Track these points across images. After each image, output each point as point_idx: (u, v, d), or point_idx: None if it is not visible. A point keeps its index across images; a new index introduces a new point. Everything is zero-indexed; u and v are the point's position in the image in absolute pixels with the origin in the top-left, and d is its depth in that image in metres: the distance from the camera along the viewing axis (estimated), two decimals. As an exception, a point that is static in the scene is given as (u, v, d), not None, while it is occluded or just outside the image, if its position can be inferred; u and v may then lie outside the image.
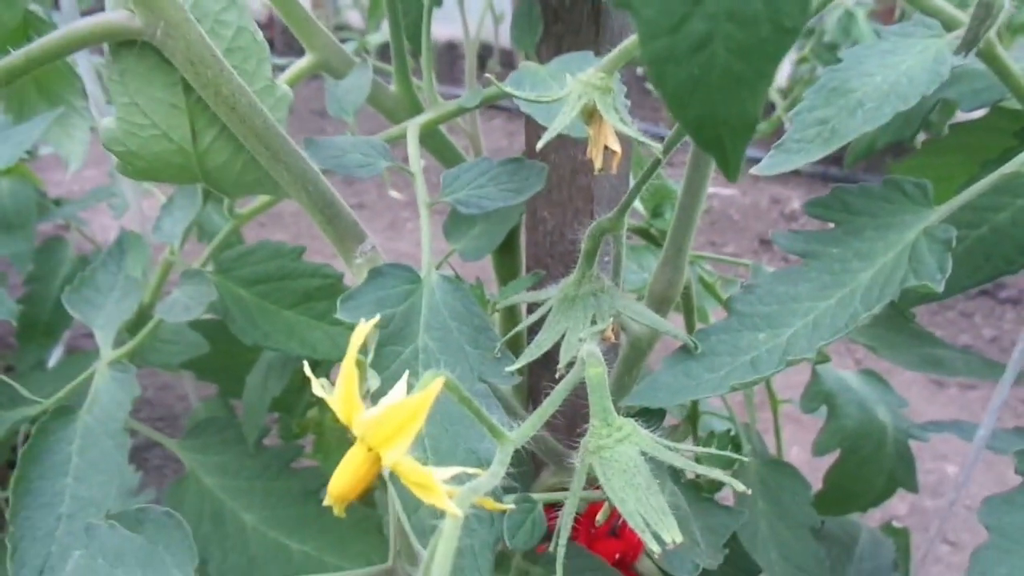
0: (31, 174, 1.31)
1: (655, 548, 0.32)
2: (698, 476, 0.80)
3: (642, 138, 0.38)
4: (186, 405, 1.72)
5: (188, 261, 0.79)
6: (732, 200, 2.95)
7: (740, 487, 0.34)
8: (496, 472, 0.29)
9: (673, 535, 0.33)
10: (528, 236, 0.71)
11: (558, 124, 0.38)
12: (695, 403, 0.82)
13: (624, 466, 0.35)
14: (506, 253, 0.76)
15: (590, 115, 0.39)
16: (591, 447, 0.36)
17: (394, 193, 1.47)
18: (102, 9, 0.43)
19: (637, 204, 0.87)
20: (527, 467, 0.72)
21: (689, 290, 0.70)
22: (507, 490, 0.41)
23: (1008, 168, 0.48)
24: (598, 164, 0.40)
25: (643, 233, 0.82)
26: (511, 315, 0.76)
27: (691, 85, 0.25)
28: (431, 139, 0.70)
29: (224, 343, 0.71)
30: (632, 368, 0.64)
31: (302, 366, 0.74)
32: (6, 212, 1.27)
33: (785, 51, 0.24)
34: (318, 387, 0.30)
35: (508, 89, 0.43)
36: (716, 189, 2.98)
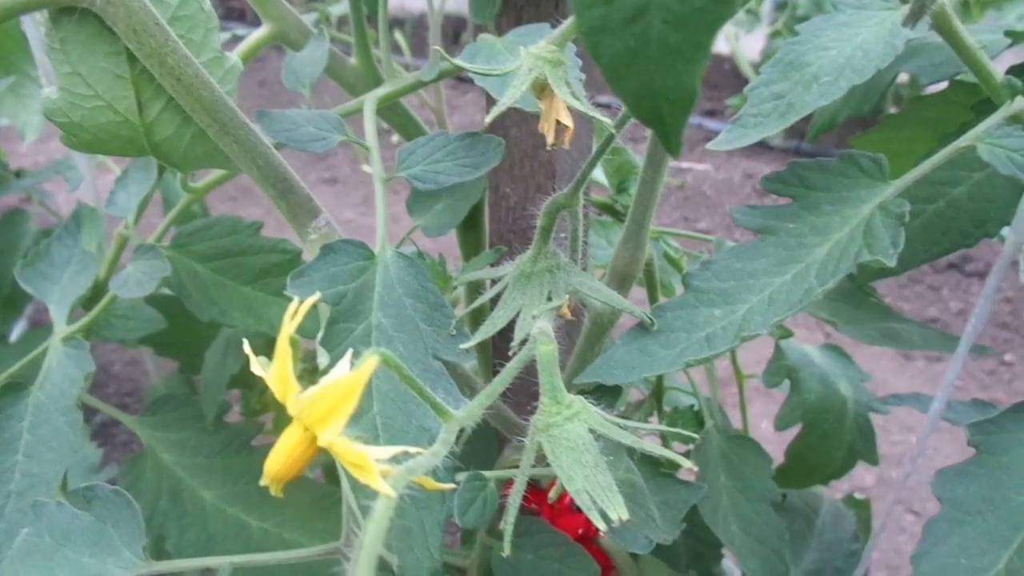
0: (-9, 145, 1.28)
1: (601, 525, 0.32)
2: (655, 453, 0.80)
3: (593, 112, 0.37)
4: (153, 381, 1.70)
5: (147, 236, 0.78)
6: (706, 175, 2.95)
7: (686, 463, 0.34)
8: (437, 452, 0.29)
9: (619, 512, 0.33)
10: (491, 212, 0.70)
11: (507, 99, 0.37)
12: (660, 379, 0.82)
13: (572, 444, 0.35)
14: (470, 228, 0.75)
15: (541, 89, 0.38)
16: (540, 425, 0.36)
17: (367, 168, 1.46)
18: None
19: (604, 179, 0.87)
20: (493, 443, 0.73)
21: (651, 266, 0.70)
22: (457, 469, 0.41)
23: (962, 142, 0.48)
24: (550, 139, 0.40)
25: (608, 208, 0.82)
26: (476, 291, 0.76)
27: (627, 57, 0.24)
28: (394, 113, 0.69)
29: (183, 318, 0.70)
30: (595, 344, 0.64)
31: (262, 343, 0.73)
32: (-36, 185, 1.24)
33: (722, 22, 0.23)
34: (256, 366, 0.29)
35: (457, 62, 0.43)
36: (690, 164, 2.98)
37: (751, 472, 0.74)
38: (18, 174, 1.47)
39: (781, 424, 0.79)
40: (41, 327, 1.30)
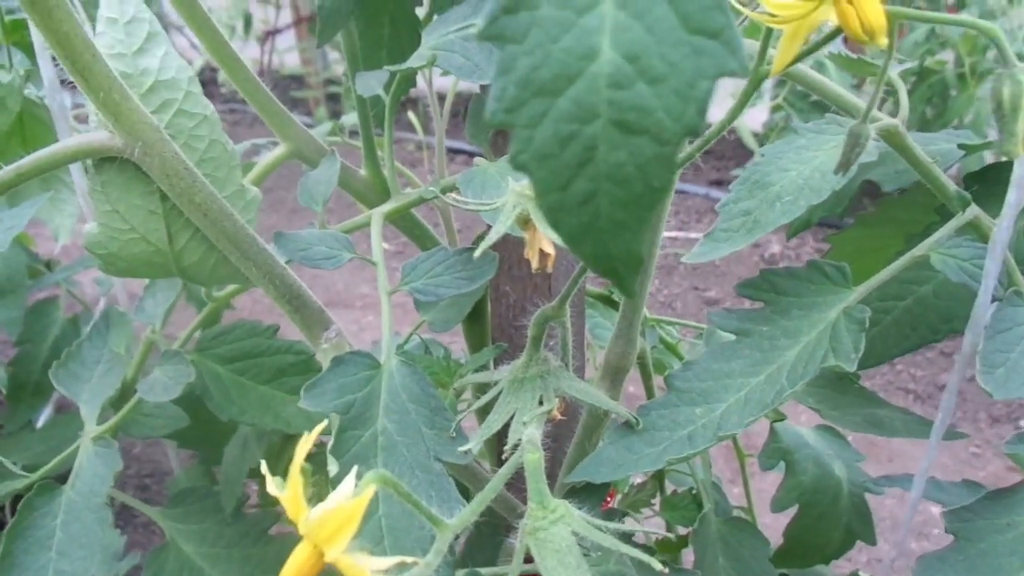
0: (23, 235, 1.35)
1: (580, 623, 0.36)
2: (652, 540, 0.83)
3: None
4: (173, 468, 1.74)
5: (172, 331, 0.83)
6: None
7: (658, 566, 0.37)
8: (430, 563, 0.33)
9: (598, 611, 0.36)
10: (492, 308, 0.75)
11: (494, 233, 0.42)
12: (660, 461, 0.85)
13: (557, 546, 0.39)
14: (475, 322, 0.80)
15: (525, 222, 0.43)
16: (528, 528, 0.40)
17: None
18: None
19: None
20: (499, 529, 0.76)
21: (645, 358, 0.74)
22: (463, 560, 0.44)
23: (917, 251, 0.53)
24: (535, 264, 0.44)
25: (606, 299, 0.87)
26: (483, 384, 0.80)
27: (582, 230, 0.29)
28: (402, 220, 0.75)
29: (204, 413, 0.75)
30: (592, 434, 0.67)
31: (279, 437, 0.77)
32: (-1, 279, 1.30)
33: (658, 203, 0.28)
34: (272, 486, 0.34)
35: (450, 199, 0.48)
36: (698, 235, 3.04)
37: (750, 554, 0.77)
38: (48, 265, 1.53)
39: (778, 506, 0.81)
40: (67, 412, 1.34)
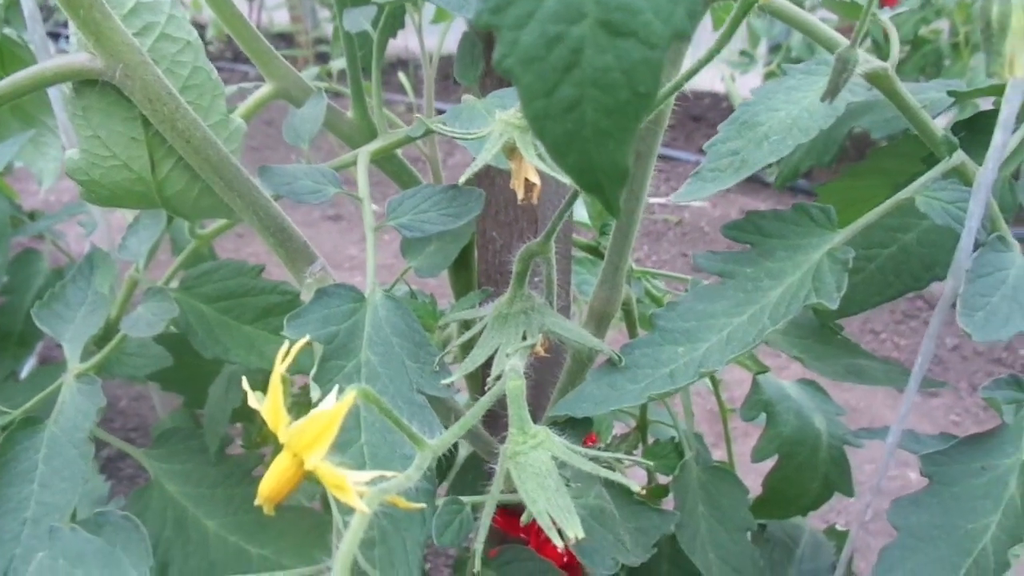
0: (6, 186, 1.33)
1: (558, 543, 0.36)
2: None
3: (557, 173, 0.42)
4: (158, 415, 1.74)
5: (157, 276, 0.82)
6: (703, 212, 3.00)
7: (636, 487, 0.38)
8: (410, 475, 0.33)
9: (575, 531, 0.36)
10: (479, 254, 0.75)
11: (479, 161, 0.42)
12: (644, 412, 0.86)
13: (536, 470, 0.39)
14: (461, 269, 0.80)
15: (511, 151, 0.43)
16: (508, 453, 0.40)
17: (373, 206, 1.52)
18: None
19: (589, 222, 0.92)
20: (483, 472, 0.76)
21: (630, 305, 0.74)
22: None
23: (903, 195, 0.53)
24: (520, 195, 0.44)
25: (592, 250, 0.87)
26: (468, 327, 0.80)
27: (567, 139, 0.29)
28: (388, 163, 0.74)
29: (188, 356, 0.75)
30: (576, 377, 0.68)
31: (263, 377, 0.77)
32: (-20, 228, 1.29)
33: (644, 111, 0.28)
34: (253, 400, 0.34)
35: (437, 127, 0.47)
36: (688, 201, 3.04)
37: (728, 502, 0.78)
38: (32, 216, 1.52)
39: (757, 456, 0.82)
40: (51, 363, 1.34)
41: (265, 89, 0.68)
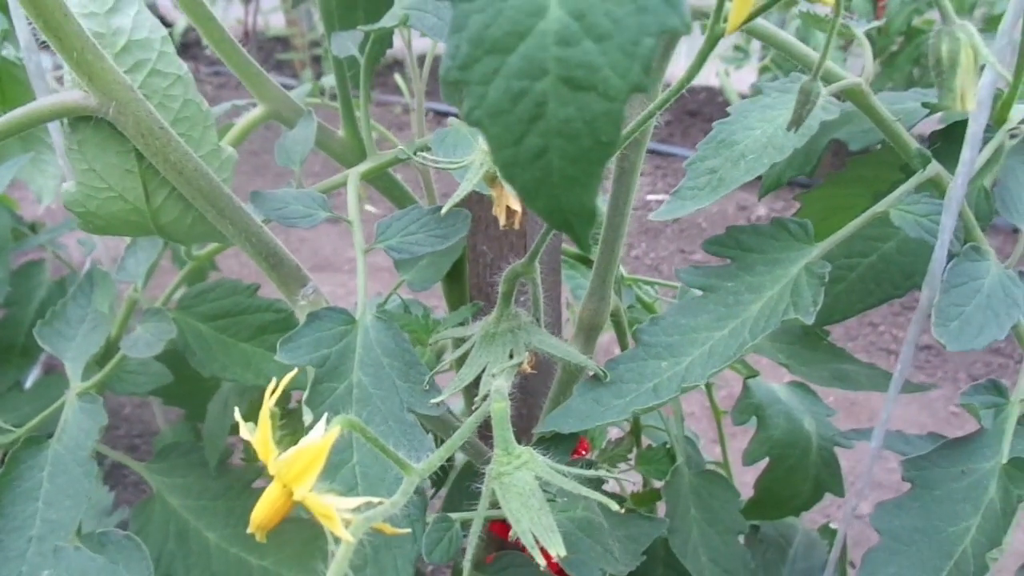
0: (6, 198, 1.35)
1: (541, 562, 0.37)
2: (623, 489, 0.85)
3: (536, 200, 0.43)
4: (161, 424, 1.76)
5: (159, 284, 0.84)
6: (700, 208, 3.01)
7: (614, 507, 0.39)
8: (396, 502, 0.35)
9: (558, 550, 0.38)
10: (470, 268, 0.76)
11: (461, 191, 0.43)
12: (637, 417, 0.87)
13: (520, 490, 0.41)
14: (453, 281, 0.82)
15: (492, 180, 0.44)
16: (493, 474, 0.42)
17: (370, 207, 1.53)
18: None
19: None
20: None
21: (619, 315, 0.75)
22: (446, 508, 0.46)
23: (878, 208, 0.54)
24: (503, 221, 0.46)
25: (581, 259, 0.88)
26: (462, 340, 0.82)
27: (535, 184, 0.30)
28: (380, 180, 0.76)
29: (187, 371, 0.76)
30: (566, 388, 0.69)
31: (260, 393, 0.79)
32: (-19, 242, 1.30)
33: (607, 157, 0.29)
34: (245, 431, 0.35)
35: (420, 159, 0.49)
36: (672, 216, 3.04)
37: (720, 505, 0.79)
38: (33, 227, 1.54)
39: (748, 459, 0.84)
40: (54, 374, 1.36)
41: (256, 112, 0.70)
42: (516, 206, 0.45)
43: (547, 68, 0.27)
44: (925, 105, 0.61)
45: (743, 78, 3.16)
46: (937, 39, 0.34)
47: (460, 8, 0.27)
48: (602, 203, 0.88)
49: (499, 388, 0.44)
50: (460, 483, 0.82)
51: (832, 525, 1.03)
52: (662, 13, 0.26)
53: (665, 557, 0.83)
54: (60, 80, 0.93)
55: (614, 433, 0.99)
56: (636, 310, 0.93)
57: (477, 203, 0.67)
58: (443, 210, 0.45)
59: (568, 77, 0.27)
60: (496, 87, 0.28)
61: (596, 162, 0.29)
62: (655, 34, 0.26)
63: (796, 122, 0.40)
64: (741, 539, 0.78)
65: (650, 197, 2.95)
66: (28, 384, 1.47)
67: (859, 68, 0.76)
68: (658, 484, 0.89)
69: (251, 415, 0.75)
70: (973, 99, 0.35)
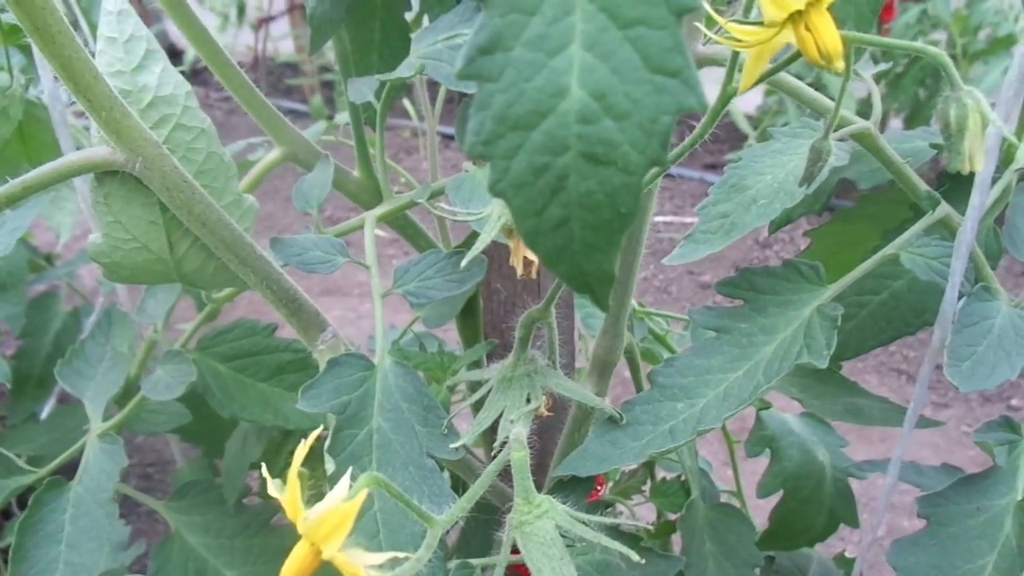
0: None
1: (562, 611, 0.38)
2: (638, 528, 0.86)
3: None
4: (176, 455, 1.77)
5: (175, 324, 0.85)
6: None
7: (635, 557, 0.40)
8: (421, 557, 0.35)
9: (579, 599, 0.39)
10: (484, 305, 0.77)
11: (479, 245, 0.44)
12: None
13: (541, 539, 0.41)
14: (467, 317, 0.82)
15: (509, 231, 0.45)
16: (514, 523, 0.42)
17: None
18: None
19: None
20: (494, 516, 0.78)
21: (633, 352, 0.76)
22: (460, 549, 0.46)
23: (888, 251, 0.55)
24: (520, 271, 0.47)
25: (594, 293, 0.89)
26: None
27: (557, 251, 0.31)
28: (395, 220, 0.77)
29: (205, 409, 0.77)
30: (581, 426, 0.70)
31: (279, 433, 0.80)
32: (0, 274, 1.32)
33: (627, 227, 0.30)
34: (272, 488, 0.36)
35: (438, 210, 0.50)
36: (693, 219, 3.06)
37: (736, 539, 0.79)
38: (48, 259, 1.55)
39: (763, 492, 0.84)
40: (69, 404, 1.37)
41: (273, 155, 0.71)
42: (533, 256, 0.46)
43: (569, 144, 0.28)
44: (933, 146, 0.62)
45: (749, 99, 3.17)
46: (945, 105, 0.35)
47: (485, 88, 0.28)
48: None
49: (518, 436, 0.45)
50: (474, 518, 0.83)
51: (848, 554, 1.03)
52: (679, 93, 0.27)
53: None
54: (78, 114, 0.94)
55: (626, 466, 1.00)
56: (649, 341, 0.94)
57: (491, 242, 0.68)
58: (464, 262, 0.45)
59: (589, 153, 0.28)
60: (519, 161, 0.29)
61: (616, 231, 0.30)
62: (672, 113, 0.27)
63: (808, 179, 0.41)
64: (757, 572, 0.78)
65: (657, 219, 2.96)
66: (44, 415, 1.48)
67: (863, 89, 0.76)
68: (673, 516, 0.89)
69: (270, 455, 0.75)
70: (981, 162, 0.36)
